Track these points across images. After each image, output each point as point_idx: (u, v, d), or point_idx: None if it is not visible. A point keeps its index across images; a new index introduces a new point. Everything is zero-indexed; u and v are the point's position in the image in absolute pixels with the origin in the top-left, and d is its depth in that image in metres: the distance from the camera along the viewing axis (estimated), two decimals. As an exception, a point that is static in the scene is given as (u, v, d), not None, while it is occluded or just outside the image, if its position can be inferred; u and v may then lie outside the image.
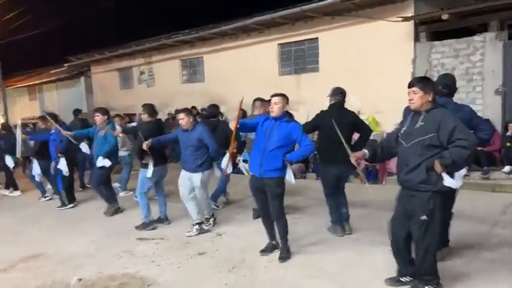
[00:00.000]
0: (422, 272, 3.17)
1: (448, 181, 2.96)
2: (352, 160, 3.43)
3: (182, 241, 4.77)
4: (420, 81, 3.13)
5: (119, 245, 4.77)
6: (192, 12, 20.60)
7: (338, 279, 3.58)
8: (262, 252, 4.22)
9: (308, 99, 9.32)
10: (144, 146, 4.93)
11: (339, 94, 4.63)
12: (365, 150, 3.45)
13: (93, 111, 6.15)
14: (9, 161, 7.79)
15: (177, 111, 5.01)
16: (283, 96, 4.02)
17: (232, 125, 4.05)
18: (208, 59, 12.65)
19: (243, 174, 6.39)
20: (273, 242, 4.30)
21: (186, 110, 4.94)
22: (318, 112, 4.74)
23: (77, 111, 10.00)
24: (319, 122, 4.64)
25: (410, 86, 3.12)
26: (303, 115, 4.82)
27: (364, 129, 4.70)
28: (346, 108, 4.67)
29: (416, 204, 3.06)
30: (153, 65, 14.52)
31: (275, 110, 3.95)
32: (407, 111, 3.68)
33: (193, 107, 11.44)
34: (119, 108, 14.11)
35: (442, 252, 3.79)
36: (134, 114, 11.31)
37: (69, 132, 6.28)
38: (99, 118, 5.89)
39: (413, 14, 8.23)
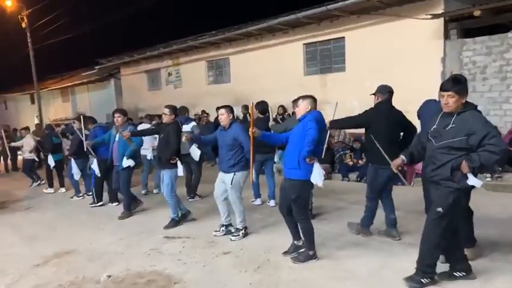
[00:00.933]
0: (423, 263, 3.29)
1: (473, 181, 3.07)
2: (394, 168, 3.62)
3: (208, 240, 4.83)
4: (456, 85, 3.09)
5: (146, 243, 4.89)
6: (218, 14, 20.81)
7: (364, 282, 3.54)
8: (284, 254, 4.21)
9: (334, 99, 9.18)
10: (184, 139, 5.02)
11: (387, 92, 4.48)
12: (402, 157, 3.54)
13: (113, 112, 6.20)
14: (50, 160, 8.18)
15: (218, 108, 4.91)
16: (305, 97, 4.02)
17: (250, 132, 4.11)
18: (234, 60, 12.74)
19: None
20: (296, 242, 4.26)
21: (227, 107, 4.84)
22: (367, 109, 4.59)
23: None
24: (368, 120, 4.48)
25: (445, 89, 3.10)
26: (330, 115, 4.70)
27: (412, 129, 4.50)
28: (394, 107, 4.50)
29: (436, 196, 3.21)
30: (180, 66, 14.76)
31: (297, 112, 4.04)
32: (432, 107, 3.73)
33: (219, 108, 11.54)
34: (148, 109, 14.44)
35: (473, 250, 3.80)
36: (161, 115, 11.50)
37: (89, 142, 6.55)
38: (120, 119, 6.03)
39: (443, 11, 8.01)
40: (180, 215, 5.58)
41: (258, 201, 6.36)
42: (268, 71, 11.43)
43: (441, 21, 8.13)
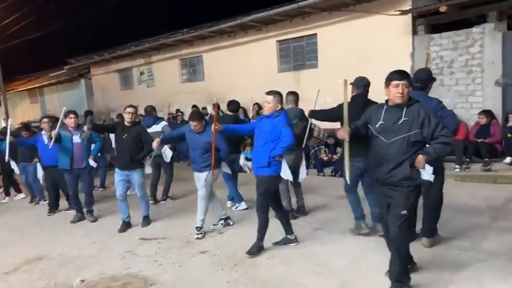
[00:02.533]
0: (399, 272, 3.06)
1: (427, 175, 2.99)
2: (339, 136, 3.30)
3: (184, 240, 4.79)
4: (408, 75, 3.05)
5: (121, 245, 4.80)
6: (190, 11, 20.60)
7: (340, 275, 3.59)
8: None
9: (308, 96, 9.28)
10: (155, 144, 5.04)
11: (362, 86, 4.46)
12: (348, 128, 3.23)
13: (66, 113, 5.88)
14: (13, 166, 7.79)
15: (190, 118, 4.86)
16: (276, 94, 4.08)
17: (212, 128, 4.27)
18: (208, 58, 12.65)
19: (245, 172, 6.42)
20: (288, 237, 4.36)
21: (199, 119, 4.82)
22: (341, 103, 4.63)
23: (88, 113, 10.03)
24: (341, 114, 4.51)
25: (400, 79, 2.99)
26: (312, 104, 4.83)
27: None
28: (370, 100, 4.37)
29: (397, 198, 3.03)
30: (152, 65, 14.54)
31: (266, 108, 4.08)
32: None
33: (194, 106, 11.47)
34: (120, 109, 14.09)
35: (432, 240, 3.98)
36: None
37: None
38: (75, 120, 5.81)
39: (411, 7, 8.20)
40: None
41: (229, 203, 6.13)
42: (242, 68, 11.41)
43: (409, 17, 8.31)
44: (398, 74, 3.03)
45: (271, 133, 3.99)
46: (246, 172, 6.41)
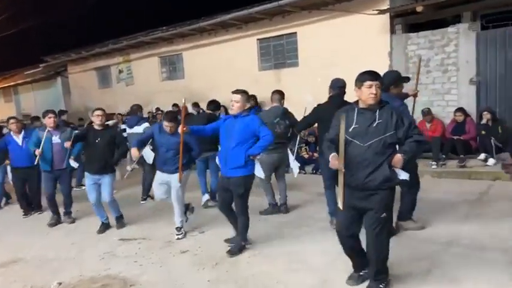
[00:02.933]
0: (378, 271, 3.07)
1: (404, 175, 2.96)
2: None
3: (165, 240, 4.74)
4: (379, 76, 2.98)
5: (100, 247, 4.72)
6: (170, 9, 20.39)
7: (320, 272, 3.62)
8: (226, 241, 4.36)
9: (289, 94, 9.32)
10: (134, 153, 4.85)
11: (338, 87, 4.51)
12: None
13: (44, 112, 5.70)
14: None
15: (165, 118, 4.75)
16: (243, 93, 4.05)
17: (180, 129, 4.23)
18: (188, 56, 12.55)
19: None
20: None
21: (174, 120, 4.71)
22: (316, 105, 4.69)
23: (61, 113, 9.72)
24: (318, 116, 4.56)
25: (374, 79, 2.91)
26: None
27: None
28: (346, 101, 4.36)
29: (376, 202, 2.94)
30: (131, 63, 14.31)
31: (235, 108, 4.01)
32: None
33: (175, 105, 11.37)
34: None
35: (405, 223, 4.29)
36: (113, 114, 11.14)
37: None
38: (53, 120, 5.61)
39: (388, 7, 8.32)
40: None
41: (205, 197, 6.13)
42: (222, 66, 11.36)
43: (387, 17, 8.44)
44: (371, 75, 2.95)
45: (243, 132, 3.95)
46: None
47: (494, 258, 3.59)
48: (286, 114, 5.33)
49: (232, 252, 4.14)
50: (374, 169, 2.90)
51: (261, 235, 4.48)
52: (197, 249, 4.40)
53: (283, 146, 5.33)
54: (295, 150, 8.63)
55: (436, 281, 3.30)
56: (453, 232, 4.27)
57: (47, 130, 5.56)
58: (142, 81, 13.95)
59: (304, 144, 8.84)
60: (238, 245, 4.19)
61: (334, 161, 2.95)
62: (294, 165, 5.19)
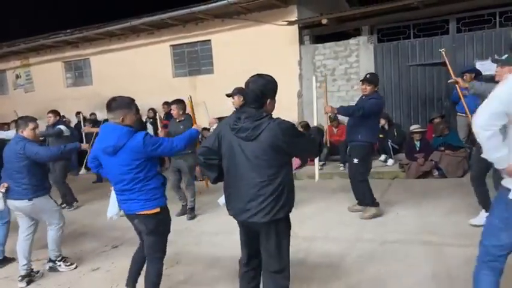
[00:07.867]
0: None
1: None
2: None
3: (74, 257, 4.40)
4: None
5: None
6: (75, 11, 19.11)
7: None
8: None
9: (206, 102, 9.34)
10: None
11: (236, 94, 4.50)
12: None
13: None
14: None
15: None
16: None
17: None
18: (96, 61, 11.88)
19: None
20: None
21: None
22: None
23: None
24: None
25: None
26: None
27: None
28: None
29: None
30: (30, 67, 13.12)
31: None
32: None
33: (78, 113, 10.69)
34: (-8, 117, 12.46)
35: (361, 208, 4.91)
36: (7, 124, 10.09)
37: None
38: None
39: (296, 19, 8.79)
40: None
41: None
42: (135, 72, 10.94)
43: (296, 28, 8.90)
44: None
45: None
46: None
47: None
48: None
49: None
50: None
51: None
52: (110, 266, 4.16)
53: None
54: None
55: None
56: (354, 234, 4.62)
57: None
58: (44, 87, 12.83)
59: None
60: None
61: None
62: None
